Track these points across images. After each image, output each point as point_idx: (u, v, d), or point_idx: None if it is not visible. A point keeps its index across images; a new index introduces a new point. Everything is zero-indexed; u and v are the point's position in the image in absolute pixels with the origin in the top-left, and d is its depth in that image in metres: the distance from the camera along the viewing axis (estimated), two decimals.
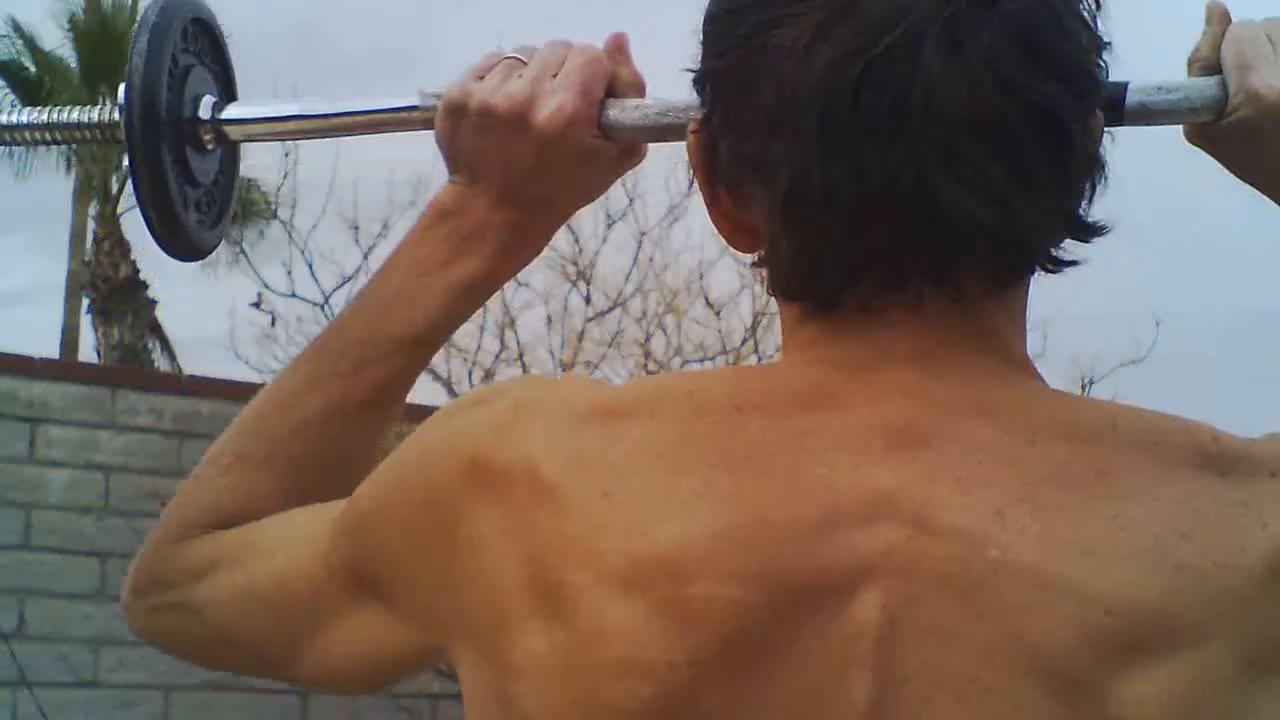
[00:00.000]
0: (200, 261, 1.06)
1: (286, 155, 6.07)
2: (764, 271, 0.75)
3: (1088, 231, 0.73)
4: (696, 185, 0.78)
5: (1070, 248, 0.73)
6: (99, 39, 13.92)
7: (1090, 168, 0.72)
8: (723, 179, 0.74)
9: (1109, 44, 0.72)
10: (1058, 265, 0.73)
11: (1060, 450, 0.68)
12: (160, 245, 1.01)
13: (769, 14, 0.69)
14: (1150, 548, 0.65)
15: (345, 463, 0.93)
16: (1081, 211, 0.72)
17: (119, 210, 14.08)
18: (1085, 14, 0.71)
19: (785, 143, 0.68)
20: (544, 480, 0.70)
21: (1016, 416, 0.69)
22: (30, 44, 14.20)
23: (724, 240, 0.78)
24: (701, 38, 0.74)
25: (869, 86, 0.66)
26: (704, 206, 0.78)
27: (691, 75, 0.76)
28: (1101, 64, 0.72)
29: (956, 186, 0.66)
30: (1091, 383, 5.92)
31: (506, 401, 0.74)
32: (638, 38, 0.93)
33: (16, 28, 14.07)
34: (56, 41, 14.39)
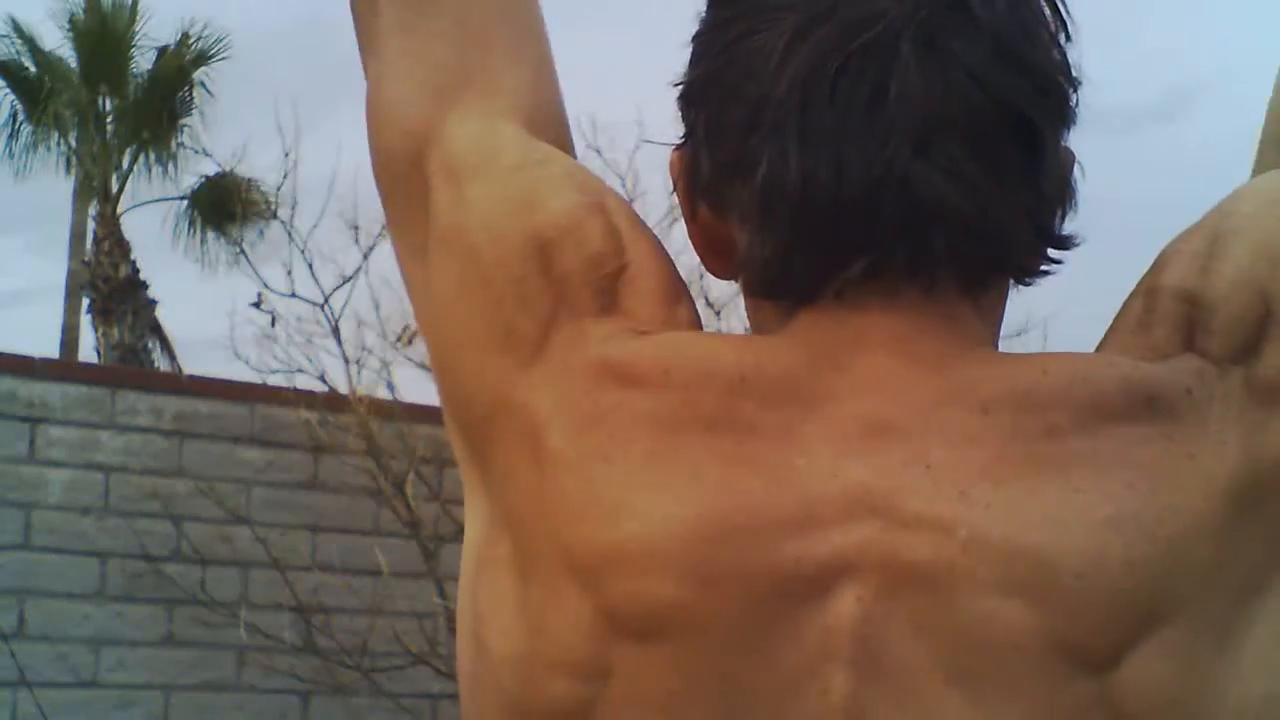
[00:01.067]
0: None
1: (286, 155, 6.07)
2: (741, 279, 0.76)
3: (1058, 242, 0.74)
4: (676, 201, 0.78)
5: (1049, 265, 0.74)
6: (99, 39, 13.91)
7: (1062, 186, 0.73)
8: (702, 192, 0.75)
9: (1077, 76, 0.73)
10: (1030, 273, 0.74)
11: (1008, 418, 0.69)
12: None
13: (750, 23, 0.71)
14: (1106, 507, 0.66)
15: None
16: (1054, 226, 0.73)
17: (119, 210, 14.07)
18: (1054, 30, 0.72)
19: (763, 136, 0.70)
20: (543, 440, 0.71)
21: (971, 391, 0.70)
22: (30, 44, 14.19)
23: (700, 260, 0.79)
24: (688, 55, 0.76)
25: (846, 80, 0.68)
26: (685, 224, 0.78)
27: (677, 92, 0.76)
28: (1071, 80, 0.73)
29: (931, 173, 0.68)
30: None
31: (567, 312, 0.74)
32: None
33: (16, 28, 14.06)
34: (56, 41, 14.40)
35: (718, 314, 5.85)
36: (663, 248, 0.80)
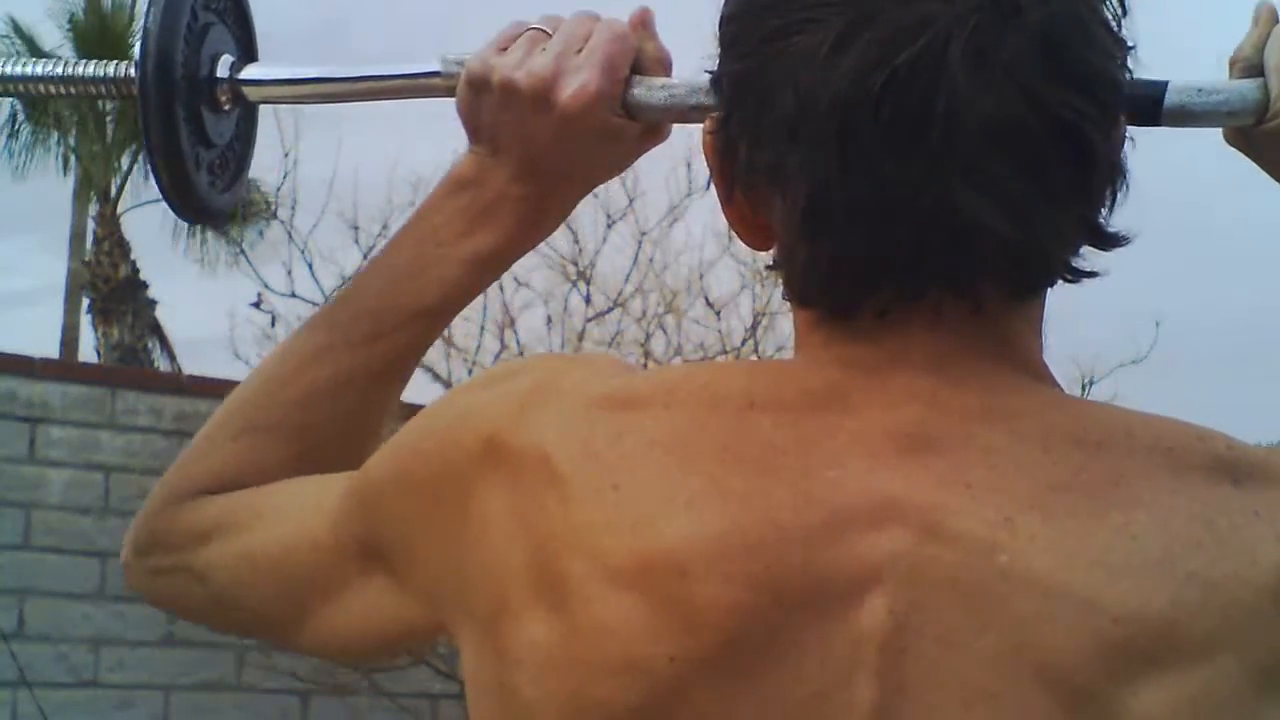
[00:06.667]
0: (208, 222, 1.04)
1: (286, 155, 6.07)
2: (780, 275, 0.74)
3: (1108, 241, 0.72)
4: (712, 183, 0.77)
5: (1090, 257, 0.72)
6: (99, 39, 13.91)
7: (1112, 176, 0.71)
8: (739, 182, 0.73)
9: (1134, 47, 0.71)
10: (1077, 276, 0.73)
11: (1074, 457, 0.67)
12: (169, 204, 0.98)
13: (788, 18, 0.68)
14: (1160, 557, 0.65)
15: (353, 433, 0.91)
16: (1102, 220, 0.71)
17: (119, 210, 14.07)
18: (1110, 18, 0.70)
19: (804, 153, 0.68)
20: (555, 469, 0.69)
21: (1030, 422, 0.69)
22: (30, 44, 14.19)
23: (739, 237, 0.77)
24: (719, 37, 0.73)
25: (891, 98, 0.65)
26: (719, 204, 0.77)
27: (710, 75, 0.75)
28: (1127, 68, 0.71)
29: (978, 199, 0.66)
30: (1091, 383, 5.91)
31: (527, 381, 0.74)
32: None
33: (16, 28, 14.07)
34: (56, 41, 14.38)
35: (718, 314, 5.85)
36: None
